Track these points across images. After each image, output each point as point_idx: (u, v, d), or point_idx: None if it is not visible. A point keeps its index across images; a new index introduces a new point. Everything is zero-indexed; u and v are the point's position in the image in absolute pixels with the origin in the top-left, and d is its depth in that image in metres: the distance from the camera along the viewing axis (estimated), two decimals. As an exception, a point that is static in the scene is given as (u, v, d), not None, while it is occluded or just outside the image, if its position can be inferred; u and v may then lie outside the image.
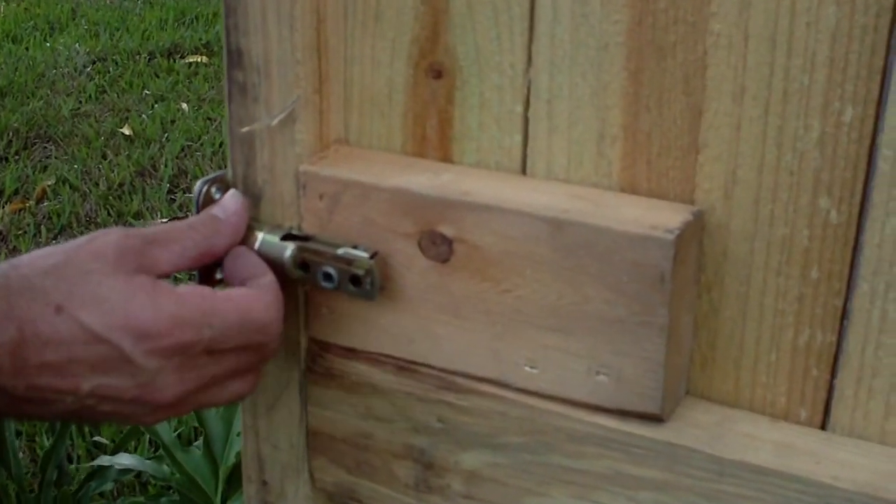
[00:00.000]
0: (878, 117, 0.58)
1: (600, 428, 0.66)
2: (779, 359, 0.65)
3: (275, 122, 0.68)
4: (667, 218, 0.62)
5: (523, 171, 0.68)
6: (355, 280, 0.68)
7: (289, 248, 0.69)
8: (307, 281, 0.69)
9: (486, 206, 0.65)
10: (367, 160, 0.70)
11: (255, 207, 0.71)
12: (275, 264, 0.69)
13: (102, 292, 0.62)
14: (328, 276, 0.68)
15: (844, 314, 0.63)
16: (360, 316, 0.71)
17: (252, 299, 0.66)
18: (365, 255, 0.67)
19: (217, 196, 0.70)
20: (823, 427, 0.65)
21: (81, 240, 0.64)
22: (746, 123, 0.62)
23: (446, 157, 0.70)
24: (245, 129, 0.69)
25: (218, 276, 0.71)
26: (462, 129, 0.69)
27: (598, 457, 0.66)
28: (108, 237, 0.64)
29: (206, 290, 0.65)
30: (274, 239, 0.69)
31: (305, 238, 0.69)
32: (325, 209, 0.69)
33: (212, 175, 0.71)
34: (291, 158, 0.69)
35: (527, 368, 0.67)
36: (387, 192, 0.67)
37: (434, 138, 0.70)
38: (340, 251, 0.68)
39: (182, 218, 0.70)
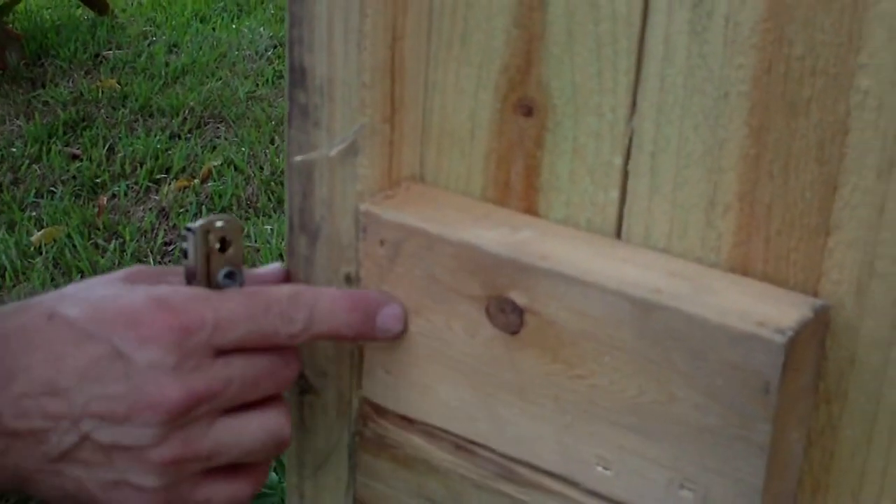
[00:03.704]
0: None
1: (679, 553, 0.55)
2: (909, 496, 0.52)
3: (333, 152, 0.59)
4: (781, 312, 0.51)
5: (618, 234, 0.57)
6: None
7: None
8: None
9: (564, 276, 0.54)
10: (438, 204, 0.60)
11: (310, 246, 0.62)
12: None
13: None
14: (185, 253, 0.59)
15: None
16: (419, 383, 0.61)
17: (261, 288, 0.59)
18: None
19: (216, 246, 0.59)
20: (960, 582, 0.52)
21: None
22: (892, 205, 0.50)
23: (530, 209, 0.60)
24: (300, 158, 0.60)
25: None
26: (550, 179, 0.59)
27: (676, 583, 0.55)
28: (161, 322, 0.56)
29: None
30: None
31: None
32: (386, 257, 0.60)
33: (207, 221, 0.58)
34: (351, 195, 0.60)
35: (599, 468, 0.56)
36: (453, 247, 0.57)
37: (518, 186, 0.60)
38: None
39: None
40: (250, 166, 3.57)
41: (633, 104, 0.55)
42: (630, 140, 0.56)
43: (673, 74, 0.54)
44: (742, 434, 0.51)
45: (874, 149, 0.50)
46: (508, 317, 0.57)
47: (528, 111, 0.58)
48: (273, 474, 1.71)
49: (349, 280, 0.62)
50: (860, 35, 0.49)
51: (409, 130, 0.61)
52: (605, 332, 0.54)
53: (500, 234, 0.57)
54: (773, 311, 0.51)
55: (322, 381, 0.65)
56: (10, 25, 4.62)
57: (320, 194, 0.61)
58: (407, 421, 0.63)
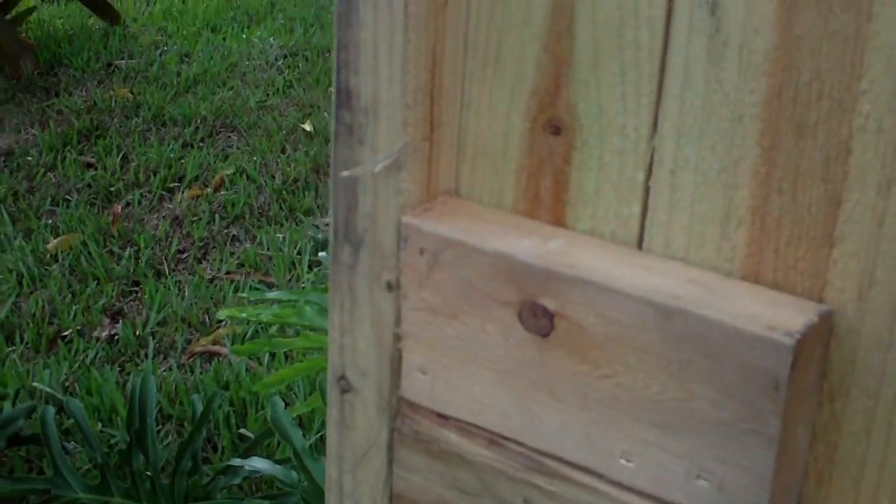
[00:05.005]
0: None
1: (696, 537, 0.59)
2: (907, 485, 0.57)
3: (378, 167, 0.64)
4: (789, 317, 0.56)
5: (639, 244, 0.62)
6: None
7: None
8: None
9: (592, 283, 0.59)
10: (473, 217, 0.65)
11: (354, 255, 0.68)
12: None
13: None
14: None
15: None
16: (454, 382, 0.66)
17: None
18: None
19: None
20: (955, 566, 0.57)
21: None
22: (891, 220, 0.55)
23: (559, 221, 0.65)
24: (346, 174, 0.66)
25: None
26: (578, 194, 0.64)
27: (693, 566, 0.60)
28: None
29: None
30: None
31: None
32: (425, 265, 0.65)
33: None
34: (394, 208, 0.65)
35: (622, 461, 0.61)
36: (488, 256, 0.62)
37: (548, 200, 0.65)
38: None
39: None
40: (262, 175, 3.62)
41: (655, 125, 0.60)
42: (651, 158, 0.61)
43: (692, 98, 0.59)
44: (754, 428, 0.56)
45: (874, 168, 0.55)
46: (539, 321, 0.62)
47: (557, 130, 0.63)
48: (293, 473, 1.76)
49: (390, 286, 0.67)
50: (861, 64, 0.54)
51: (446, 148, 0.66)
52: (629, 336, 0.59)
53: (531, 244, 0.62)
54: (783, 316, 0.56)
55: (363, 382, 0.70)
56: (24, 35, 4.68)
57: (364, 207, 0.66)
58: (442, 418, 0.68)
